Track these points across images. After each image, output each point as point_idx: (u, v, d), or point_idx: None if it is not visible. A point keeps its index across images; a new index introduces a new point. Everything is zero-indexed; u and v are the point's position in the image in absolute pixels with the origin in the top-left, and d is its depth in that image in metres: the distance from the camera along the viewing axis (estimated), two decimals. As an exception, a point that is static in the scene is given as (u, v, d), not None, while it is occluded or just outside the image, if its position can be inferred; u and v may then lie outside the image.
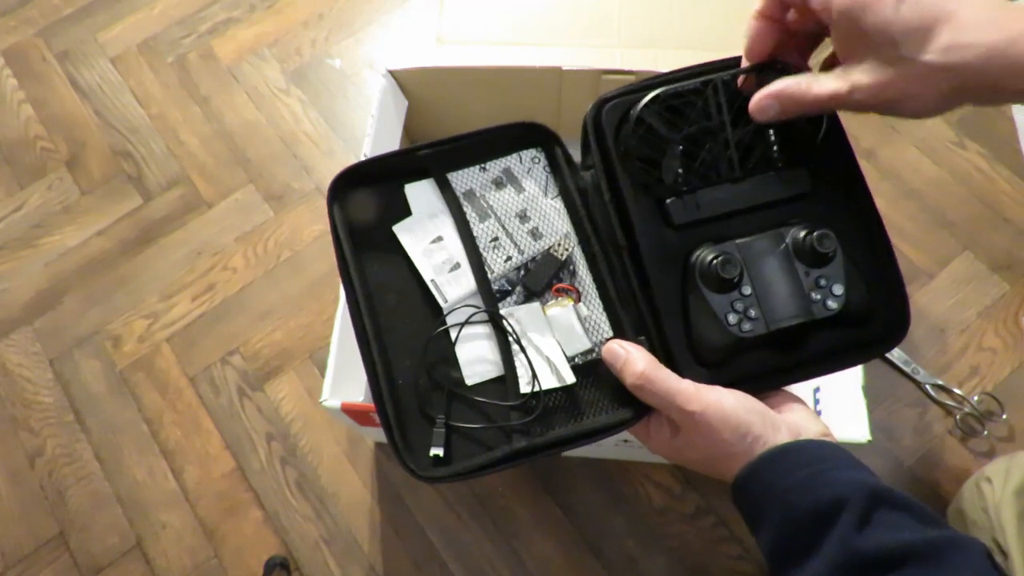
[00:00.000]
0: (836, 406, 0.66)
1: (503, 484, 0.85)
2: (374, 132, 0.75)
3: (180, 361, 0.94)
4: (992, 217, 0.97)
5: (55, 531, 0.85)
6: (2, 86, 1.16)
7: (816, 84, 0.38)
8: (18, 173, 1.09)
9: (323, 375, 0.66)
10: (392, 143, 0.79)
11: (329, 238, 1.08)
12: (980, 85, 0.34)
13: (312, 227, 1.02)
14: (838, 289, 0.41)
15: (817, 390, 0.72)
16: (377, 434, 0.82)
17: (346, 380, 0.69)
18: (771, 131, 0.43)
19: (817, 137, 0.43)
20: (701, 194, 0.43)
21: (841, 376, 0.67)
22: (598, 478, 0.84)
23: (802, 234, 0.41)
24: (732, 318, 0.41)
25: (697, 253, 0.42)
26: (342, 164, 1.17)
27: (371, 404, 0.65)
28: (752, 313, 0.41)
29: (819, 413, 0.58)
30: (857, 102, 0.37)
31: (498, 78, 0.80)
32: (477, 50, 0.84)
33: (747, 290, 0.41)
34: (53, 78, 1.17)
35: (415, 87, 0.82)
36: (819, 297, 0.41)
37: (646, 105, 0.42)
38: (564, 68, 0.77)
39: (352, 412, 0.65)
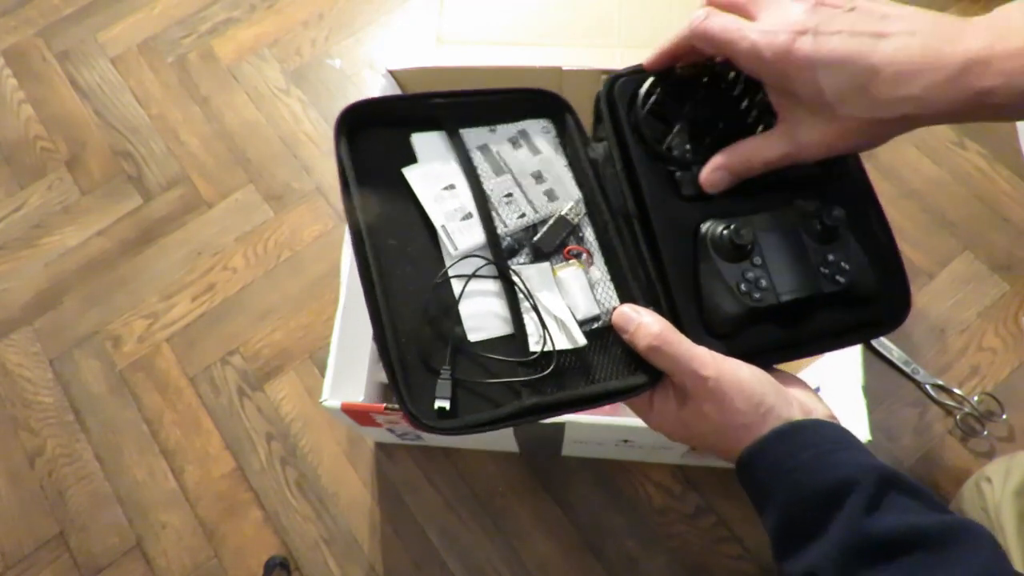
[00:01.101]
0: (836, 406, 0.66)
1: (503, 484, 0.85)
2: (374, 132, 0.75)
3: (180, 361, 0.94)
4: (992, 217, 0.97)
5: (55, 531, 0.85)
6: (2, 86, 1.16)
7: (764, 150, 0.40)
8: (18, 173, 1.09)
9: (323, 375, 0.66)
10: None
11: (329, 239, 1.08)
12: (924, 119, 0.36)
13: (312, 227, 1.02)
14: (846, 265, 0.42)
15: (817, 390, 0.72)
16: (377, 434, 0.82)
17: (346, 380, 0.69)
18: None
19: None
20: None
21: (841, 376, 0.67)
22: (598, 478, 0.84)
23: (812, 210, 0.42)
24: (743, 287, 0.41)
25: (708, 224, 0.43)
26: (342, 164, 1.14)
27: (372, 404, 0.65)
28: (763, 283, 0.41)
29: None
30: (808, 158, 0.39)
31: (498, 78, 0.80)
32: (477, 50, 0.84)
33: (758, 260, 0.41)
34: (53, 78, 1.17)
35: (415, 87, 0.82)
36: (827, 272, 0.41)
37: (654, 81, 0.43)
38: (564, 68, 0.77)
39: (352, 412, 0.65)
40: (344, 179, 0.44)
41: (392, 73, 0.80)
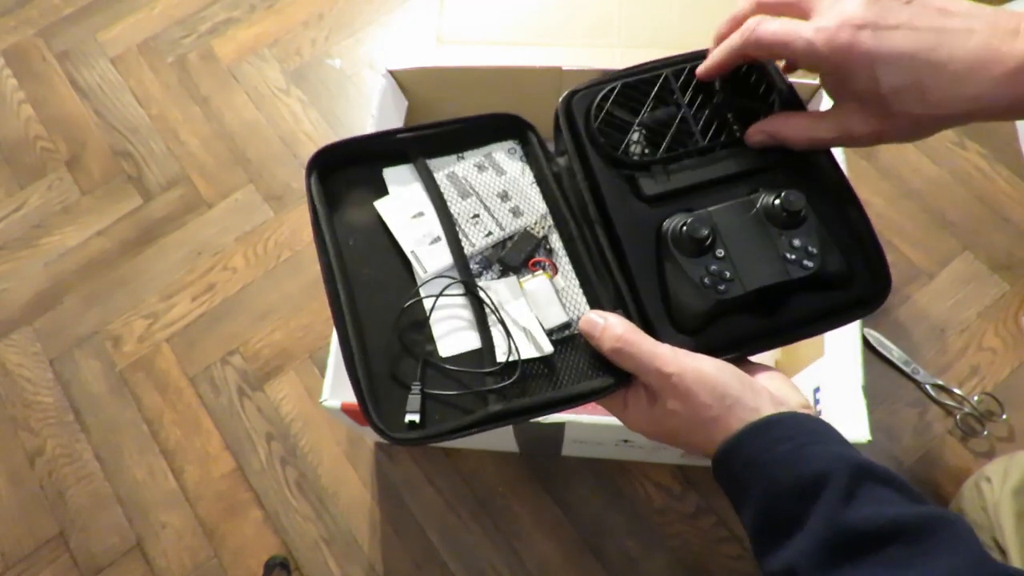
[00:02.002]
0: (836, 406, 0.66)
1: (503, 484, 0.85)
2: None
3: (180, 361, 0.94)
4: (992, 217, 0.97)
5: (55, 531, 0.85)
6: (2, 86, 1.16)
7: (816, 129, 0.41)
8: (18, 173, 1.09)
9: (323, 375, 0.66)
10: (392, 143, 0.79)
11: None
12: (980, 116, 0.36)
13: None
14: (813, 249, 0.42)
15: (817, 390, 0.73)
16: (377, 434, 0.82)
17: (346, 380, 0.69)
18: (728, 112, 0.45)
19: (772, 111, 0.45)
20: (670, 168, 0.45)
21: (841, 376, 0.67)
22: (598, 478, 0.84)
23: (771, 197, 0.42)
24: (707, 280, 0.41)
25: (668, 221, 0.43)
26: (342, 164, 1.14)
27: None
28: (727, 275, 0.41)
29: (819, 413, 0.58)
30: (852, 144, 0.40)
31: (498, 78, 0.80)
32: (477, 50, 0.84)
33: (720, 252, 0.42)
34: (53, 78, 1.17)
35: (415, 87, 0.82)
36: (794, 257, 0.41)
37: (605, 95, 0.45)
38: (564, 68, 0.77)
39: (352, 412, 0.65)
40: (315, 216, 0.46)
41: (392, 73, 0.80)
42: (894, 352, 0.88)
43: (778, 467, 0.36)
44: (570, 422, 0.64)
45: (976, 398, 0.86)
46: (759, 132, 0.43)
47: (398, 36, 1.18)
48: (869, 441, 0.61)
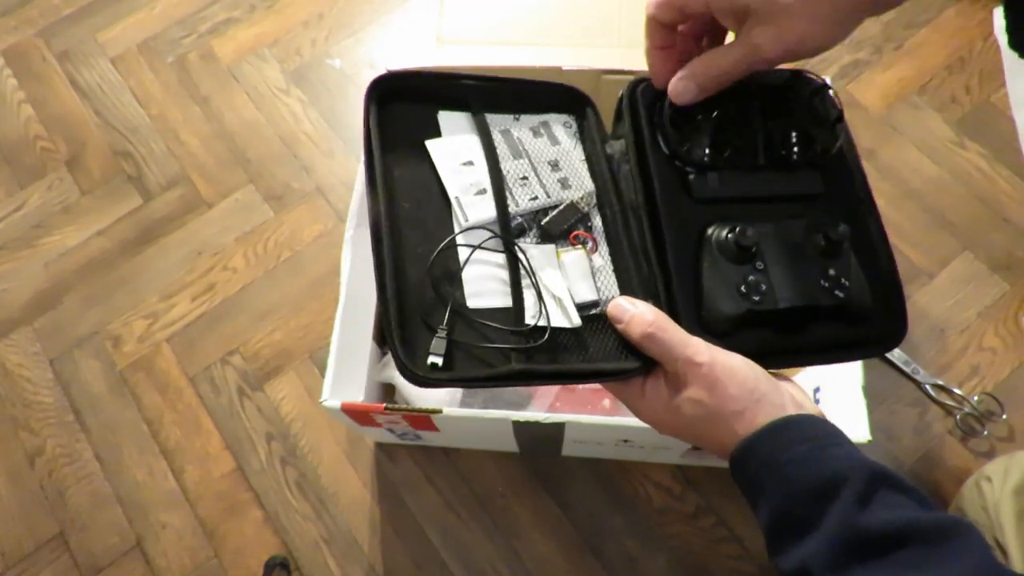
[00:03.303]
0: (836, 406, 0.66)
1: (503, 484, 0.85)
2: (374, 132, 0.75)
3: (180, 361, 0.94)
4: (992, 217, 0.97)
5: (55, 531, 0.85)
6: (2, 86, 1.16)
7: (724, 55, 0.41)
8: (18, 173, 1.09)
9: (323, 375, 0.66)
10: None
11: (329, 239, 1.08)
12: (879, 5, 0.37)
13: (312, 227, 1.02)
14: (845, 281, 0.43)
15: (817, 390, 0.73)
16: (377, 434, 0.82)
17: (346, 380, 0.69)
18: (794, 134, 0.46)
19: (834, 146, 0.46)
20: (724, 174, 0.45)
21: (841, 376, 0.67)
22: (598, 478, 0.84)
23: (818, 224, 0.43)
24: (743, 288, 0.42)
25: (715, 227, 0.44)
26: (342, 164, 1.16)
27: (372, 404, 0.65)
28: (763, 287, 0.42)
29: (819, 413, 0.58)
30: (765, 57, 0.39)
31: (498, 78, 0.80)
32: (477, 50, 0.84)
33: (760, 265, 0.42)
34: (53, 78, 1.17)
35: (415, 87, 0.82)
36: (827, 285, 0.42)
37: None
38: (564, 68, 0.77)
39: (352, 412, 0.65)
40: (368, 142, 0.45)
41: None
42: (894, 352, 0.88)
43: (796, 467, 0.36)
44: (570, 422, 0.64)
45: (976, 398, 0.86)
46: (681, 80, 0.42)
47: (398, 36, 1.18)
48: (869, 441, 0.61)
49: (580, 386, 0.78)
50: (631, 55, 0.81)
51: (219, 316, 0.97)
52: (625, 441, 0.72)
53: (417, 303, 0.42)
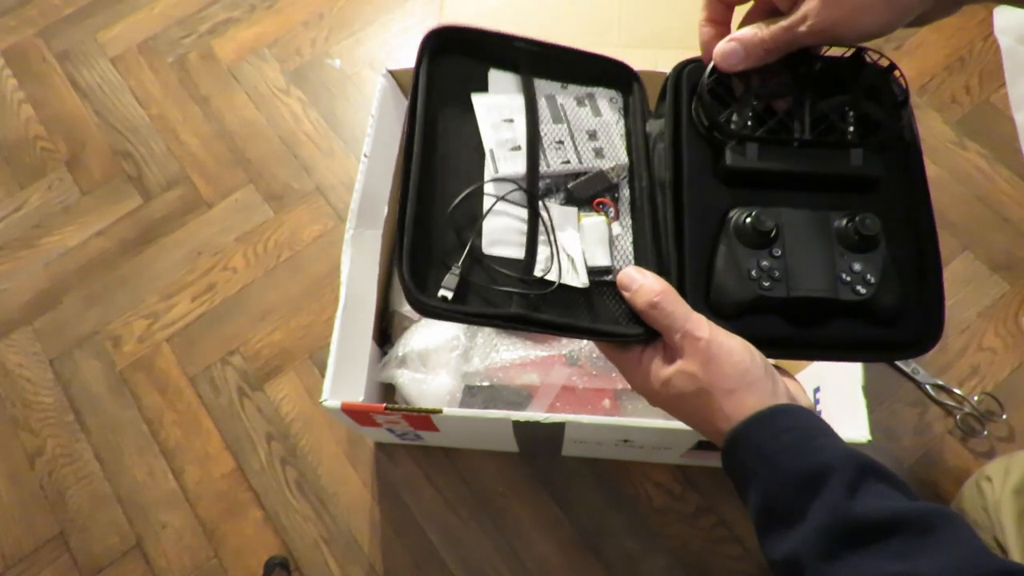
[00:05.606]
0: (836, 406, 0.66)
1: (503, 484, 0.85)
2: (374, 132, 0.75)
3: (180, 361, 0.94)
4: (992, 217, 0.97)
5: (55, 531, 0.85)
6: (2, 86, 1.16)
7: (773, 22, 0.40)
8: (18, 173, 1.09)
9: (323, 375, 0.66)
10: (392, 143, 0.79)
11: (329, 239, 1.08)
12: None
13: (312, 227, 1.02)
14: (871, 278, 0.41)
15: (817, 390, 0.73)
16: (377, 434, 0.82)
17: (346, 380, 0.69)
18: (851, 113, 0.43)
19: (893, 130, 0.43)
20: (763, 146, 0.43)
21: (841, 376, 0.67)
22: (598, 478, 0.84)
23: (846, 217, 0.42)
24: (755, 273, 0.41)
25: (736, 211, 0.43)
26: (342, 164, 1.16)
27: (372, 404, 0.65)
28: (776, 274, 0.41)
29: (819, 414, 0.58)
30: (811, 29, 0.39)
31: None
32: (477, 50, 0.83)
33: (777, 252, 0.41)
34: (53, 78, 1.17)
35: (415, 87, 0.82)
36: (849, 280, 0.41)
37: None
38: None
39: (352, 412, 0.65)
40: (415, 87, 0.47)
41: (392, 73, 0.80)
42: (894, 352, 0.88)
43: (784, 456, 0.36)
44: (570, 422, 0.64)
45: (976, 398, 0.86)
46: (730, 41, 0.42)
47: (398, 36, 1.18)
48: (869, 441, 0.61)
49: (580, 386, 0.78)
50: (631, 55, 0.81)
51: (219, 316, 0.97)
52: (625, 441, 0.72)
53: (435, 240, 0.43)
